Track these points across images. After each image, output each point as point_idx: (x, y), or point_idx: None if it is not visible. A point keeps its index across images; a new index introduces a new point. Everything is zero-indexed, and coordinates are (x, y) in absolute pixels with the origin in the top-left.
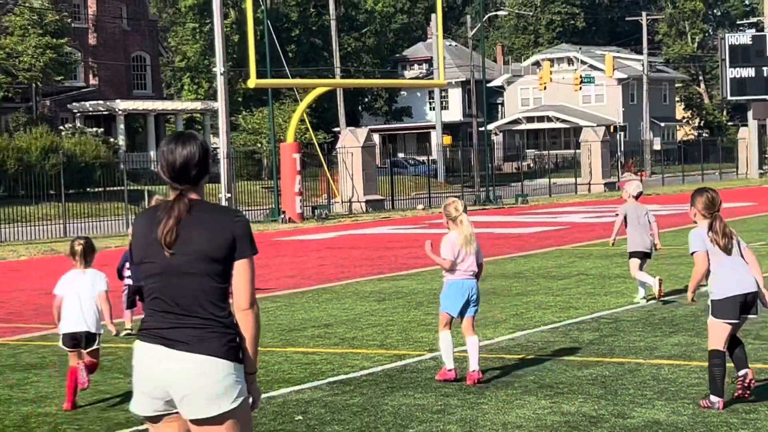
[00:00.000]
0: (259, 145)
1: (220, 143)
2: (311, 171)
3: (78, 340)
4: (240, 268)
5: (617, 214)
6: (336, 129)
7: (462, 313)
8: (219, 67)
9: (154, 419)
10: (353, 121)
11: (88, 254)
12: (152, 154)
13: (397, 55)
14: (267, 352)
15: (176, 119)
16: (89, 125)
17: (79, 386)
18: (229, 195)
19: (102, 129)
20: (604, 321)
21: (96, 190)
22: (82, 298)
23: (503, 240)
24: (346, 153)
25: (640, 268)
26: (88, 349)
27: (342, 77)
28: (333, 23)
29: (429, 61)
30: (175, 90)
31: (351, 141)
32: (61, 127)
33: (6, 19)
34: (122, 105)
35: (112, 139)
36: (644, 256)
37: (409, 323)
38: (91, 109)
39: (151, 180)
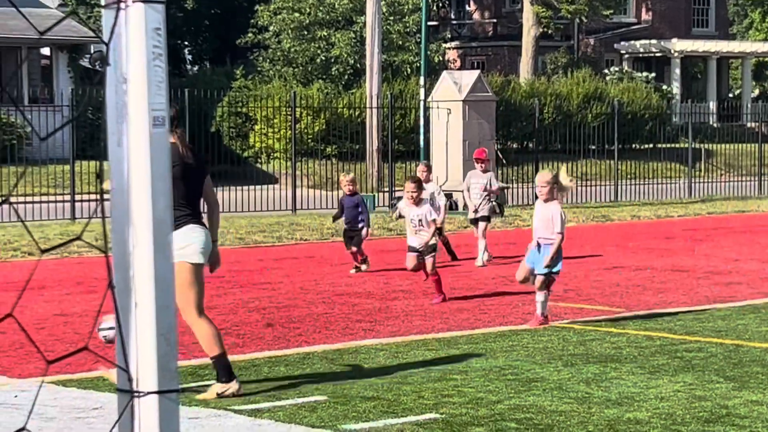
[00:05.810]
0: None
1: None
2: None
3: None
4: None
5: None
6: None
7: None
8: None
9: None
10: None
11: None
12: (711, 105)
13: None
14: None
15: (743, 64)
16: (638, 68)
17: None
18: None
19: (653, 74)
20: None
21: (644, 147)
22: None
23: None
24: None
25: None
26: None
27: None
28: None
29: None
30: (738, 29)
31: None
32: (606, 71)
33: None
34: (679, 45)
35: (664, 86)
36: None
37: None
38: (641, 49)
39: (708, 136)
